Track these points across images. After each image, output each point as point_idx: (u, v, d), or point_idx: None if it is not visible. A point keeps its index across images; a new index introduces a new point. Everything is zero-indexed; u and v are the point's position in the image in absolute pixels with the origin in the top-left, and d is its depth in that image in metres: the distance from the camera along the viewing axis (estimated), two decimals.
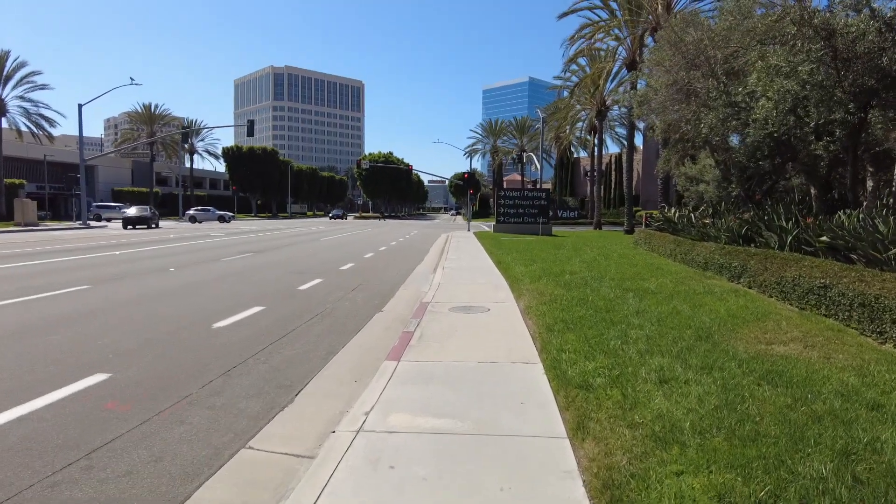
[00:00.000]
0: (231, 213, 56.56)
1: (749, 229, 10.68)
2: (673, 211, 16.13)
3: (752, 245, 10.26)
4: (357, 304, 8.45)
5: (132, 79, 37.06)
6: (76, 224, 39.29)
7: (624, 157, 67.18)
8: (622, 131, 50.49)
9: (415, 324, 6.42)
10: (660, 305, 7.07)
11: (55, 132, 47.42)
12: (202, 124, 71.22)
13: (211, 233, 29.35)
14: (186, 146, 69.46)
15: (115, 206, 51.27)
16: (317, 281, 10.78)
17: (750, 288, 8.49)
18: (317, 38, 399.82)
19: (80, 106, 37.86)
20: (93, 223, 41.78)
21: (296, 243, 22.33)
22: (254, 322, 6.96)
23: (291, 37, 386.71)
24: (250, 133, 37.60)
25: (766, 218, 10.10)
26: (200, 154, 73.02)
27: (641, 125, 42.30)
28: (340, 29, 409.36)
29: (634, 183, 68.80)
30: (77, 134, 39.58)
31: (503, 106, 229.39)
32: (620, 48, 28.36)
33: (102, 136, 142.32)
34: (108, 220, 48.65)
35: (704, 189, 34.23)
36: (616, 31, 27.93)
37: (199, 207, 56.69)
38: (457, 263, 13.65)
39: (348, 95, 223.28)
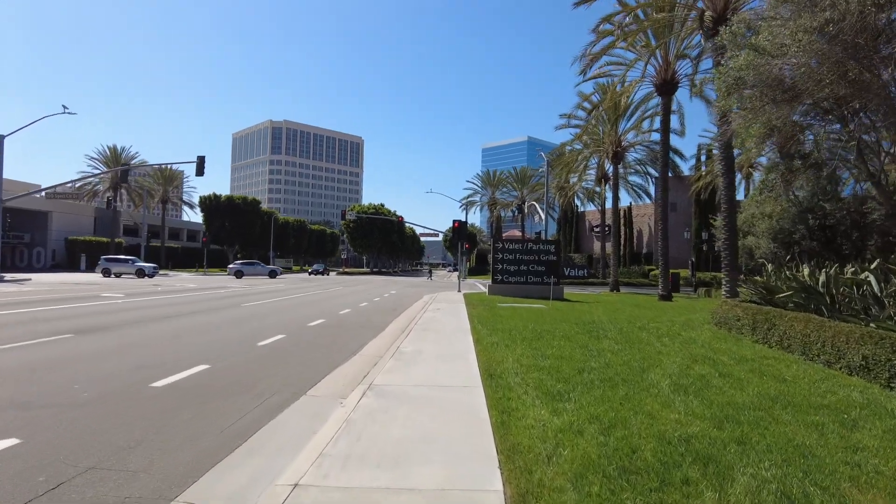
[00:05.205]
0: (279, 268, 51.94)
1: None
2: (818, 274, 9.04)
3: None
4: None
5: (65, 107, 31.51)
6: None
7: (635, 210, 61.52)
8: (636, 180, 44.77)
9: None
10: None
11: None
12: (180, 171, 65.86)
13: (109, 294, 22.17)
14: (157, 194, 63.69)
15: (127, 260, 43.27)
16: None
17: None
18: (317, 94, 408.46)
19: (0, 137, 32.14)
20: (32, 277, 34.68)
21: (208, 310, 15.40)
22: None
23: (291, 92, 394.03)
24: (199, 172, 31.58)
25: None
26: (173, 203, 67.26)
27: (655, 172, 36.20)
28: (341, 85, 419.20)
29: (646, 239, 62.71)
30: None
31: (502, 164, 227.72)
32: (649, 67, 22.57)
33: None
34: (118, 274, 41.06)
35: (754, 243, 27.53)
36: (639, 42, 22.22)
37: (245, 261, 52.14)
38: (404, 375, 6.68)
39: (347, 151, 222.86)
